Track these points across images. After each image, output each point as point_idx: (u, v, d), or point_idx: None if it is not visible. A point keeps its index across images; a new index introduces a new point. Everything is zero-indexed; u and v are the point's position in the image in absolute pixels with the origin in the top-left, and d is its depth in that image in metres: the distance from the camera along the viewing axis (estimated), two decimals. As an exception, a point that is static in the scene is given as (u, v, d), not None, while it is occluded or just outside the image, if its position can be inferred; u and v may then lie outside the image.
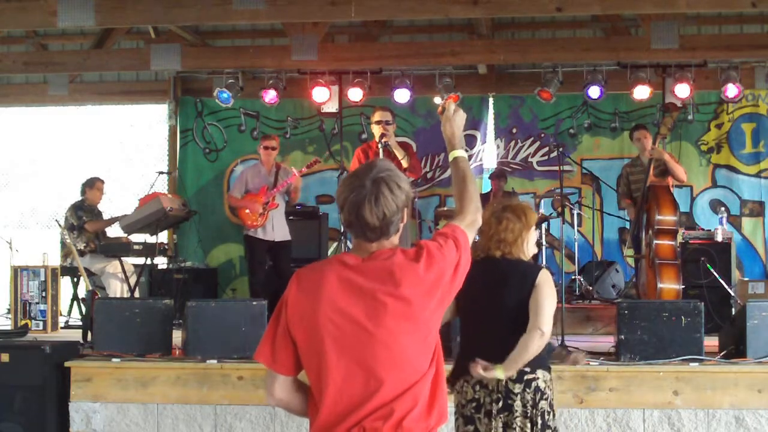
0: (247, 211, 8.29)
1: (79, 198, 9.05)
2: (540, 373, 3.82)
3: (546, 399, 3.81)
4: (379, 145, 7.58)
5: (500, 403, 3.79)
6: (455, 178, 2.99)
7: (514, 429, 3.78)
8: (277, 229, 8.37)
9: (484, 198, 9.84)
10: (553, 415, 3.87)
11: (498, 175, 9.99)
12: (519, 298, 3.85)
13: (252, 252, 8.46)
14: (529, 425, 3.78)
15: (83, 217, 8.78)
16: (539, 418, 3.78)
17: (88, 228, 8.68)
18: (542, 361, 3.85)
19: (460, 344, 4.14)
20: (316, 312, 2.65)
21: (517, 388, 3.79)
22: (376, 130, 7.76)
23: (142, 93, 11.29)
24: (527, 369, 3.79)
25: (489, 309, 3.91)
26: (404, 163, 7.59)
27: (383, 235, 2.70)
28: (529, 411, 3.78)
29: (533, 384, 3.80)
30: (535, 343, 3.77)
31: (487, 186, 10.33)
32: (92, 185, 9.07)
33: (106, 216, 9.17)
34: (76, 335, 7.04)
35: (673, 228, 7.81)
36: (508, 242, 3.96)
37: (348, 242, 8.55)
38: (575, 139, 10.46)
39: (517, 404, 3.78)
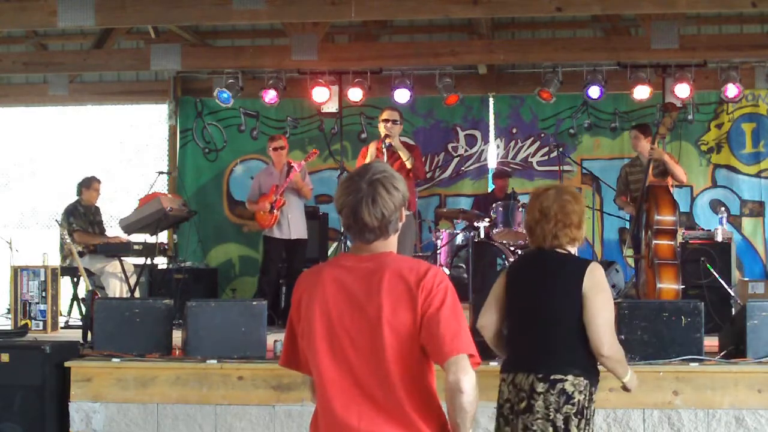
0: (261, 212, 8.49)
1: (75, 199, 9.02)
2: (570, 376, 3.54)
3: (573, 404, 3.53)
4: (383, 146, 7.58)
5: (524, 404, 3.56)
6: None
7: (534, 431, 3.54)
8: (292, 226, 8.51)
9: (487, 198, 9.86)
10: (585, 424, 3.57)
11: (501, 175, 9.99)
12: (568, 298, 3.58)
13: (267, 251, 8.69)
14: (550, 429, 3.52)
15: (73, 224, 8.75)
16: (562, 423, 3.51)
17: (76, 238, 8.63)
18: (577, 364, 3.57)
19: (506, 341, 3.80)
20: (311, 313, 2.69)
21: (541, 387, 3.53)
22: (382, 128, 7.78)
23: (142, 93, 11.28)
24: (557, 369, 3.54)
25: (537, 307, 3.65)
26: (408, 165, 7.58)
27: (382, 235, 2.72)
28: (551, 414, 3.52)
29: (558, 386, 3.52)
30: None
31: (489, 186, 10.35)
32: (89, 185, 9.03)
33: (104, 214, 9.20)
34: (76, 335, 7.02)
35: (672, 228, 7.79)
36: (575, 225, 3.66)
37: (348, 242, 8.57)
38: (575, 139, 10.46)
39: (539, 405, 3.52)
